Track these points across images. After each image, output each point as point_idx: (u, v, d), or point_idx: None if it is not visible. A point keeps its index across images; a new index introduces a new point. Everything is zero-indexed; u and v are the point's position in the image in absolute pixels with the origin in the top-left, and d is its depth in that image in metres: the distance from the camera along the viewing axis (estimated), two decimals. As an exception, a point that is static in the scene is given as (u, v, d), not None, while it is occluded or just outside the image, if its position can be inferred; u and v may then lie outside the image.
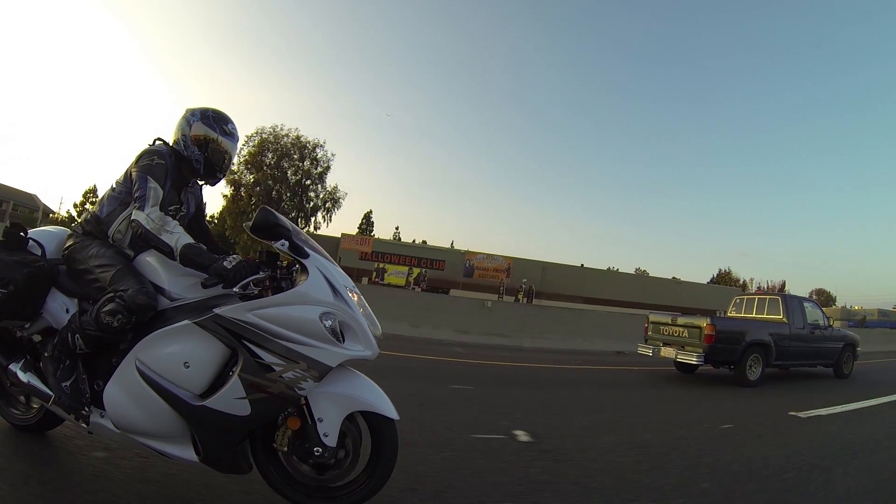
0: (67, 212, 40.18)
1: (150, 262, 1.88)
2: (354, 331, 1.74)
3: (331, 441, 1.72)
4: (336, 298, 1.73)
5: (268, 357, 1.64)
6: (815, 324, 7.90)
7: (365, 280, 26.62)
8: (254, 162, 30.97)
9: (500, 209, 78.81)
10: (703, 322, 6.93)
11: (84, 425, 1.82)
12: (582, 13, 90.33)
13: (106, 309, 1.71)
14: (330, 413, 1.73)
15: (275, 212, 1.69)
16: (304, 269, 1.73)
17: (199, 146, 2.03)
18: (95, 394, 1.81)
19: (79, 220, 2.07)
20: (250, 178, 31.08)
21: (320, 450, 1.71)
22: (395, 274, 28.91)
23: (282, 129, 31.68)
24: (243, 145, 30.20)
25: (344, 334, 1.73)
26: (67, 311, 1.92)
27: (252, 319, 1.64)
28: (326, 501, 1.80)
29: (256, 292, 1.70)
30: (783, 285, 54.46)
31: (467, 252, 33.80)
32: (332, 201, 32.97)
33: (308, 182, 32.05)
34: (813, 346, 7.81)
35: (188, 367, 1.67)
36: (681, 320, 7.40)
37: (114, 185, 2.06)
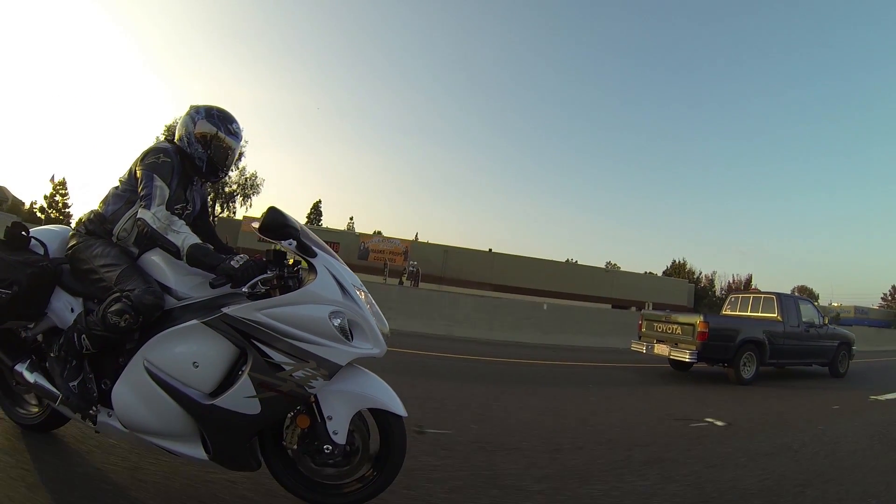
0: (33, 202, 41.05)
1: (156, 261, 1.88)
2: (363, 329, 1.76)
3: (340, 438, 1.74)
4: (345, 297, 1.74)
5: (277, 356, 1.64)
6: (811, 322, 7.92)
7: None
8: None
9: (476, 203, 78.95)
10: (697, 319, 6.94)
11: (91, 424, 1.82)
12: (578, 11, 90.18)
13: (113, 309, 1.70)
14: (339, 411, 1.75)
15: (283, 211, 1.70)
16: (312, 268, 1.75)
17: (203, 144, 2.03)
18: (103, 393, 1.82)
19: (82, 219, 2.05)
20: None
21: (330, 447, 1.73)
22: None
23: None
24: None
25: (352, 332, 1.74)
26: (72, 310, 1.92)
27: (261, 319, 1.65)
28: (336, 498, 1.82)
29: (264, 291, 1.71)
30: (749, 279, 52.23)
31: (362, 234, 35.17)
32: (251, 187, 37.95)
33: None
34: (808, 344, 7.84)
35: (197, 366, 1.67)
36: (674, 317, 7.42)
37: (118, 183, 2.05)
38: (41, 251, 2.01)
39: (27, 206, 40.68)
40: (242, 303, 1.69)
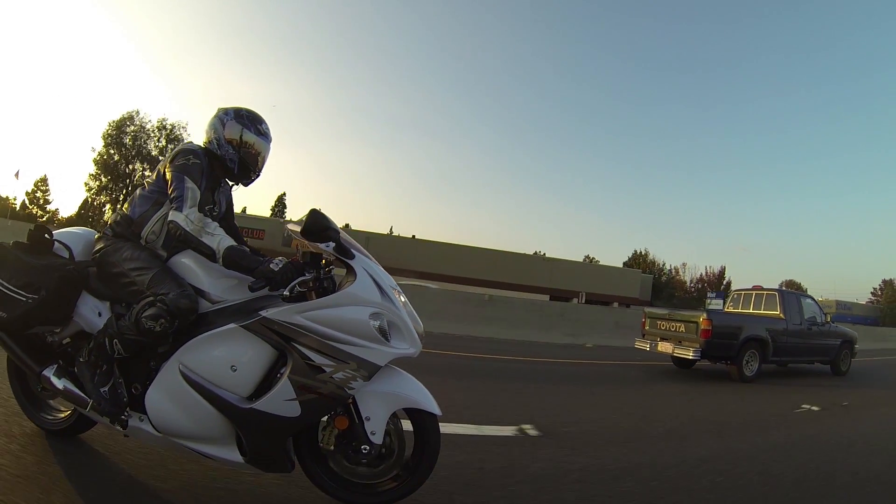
0: (13, 198, 42.47)
1: (187, 263, 1.87)
2: (400, 329, 1.78)
3: (377, 438, 1.76)
4: (383, 298, 1.75)
5: (318, 358, 1.65)
6: (813, 320, 7.91)
7: None
8: (114, 143, 39.76)
9: (471, 199, 79.13)
10: (700, 317, 6.93)
11: (120, 429, 1.80)
12: (575, 10, 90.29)
13: (147, 314, 1.69)
14: (377, 411, 1.77)
15: (325, 214, 1.70)
16: (350, 270, 1.76)
17: (233, 145, 2.02)
18: (133, 397, 1.80)
19: (108, 221, 2.03)
20: (116, 156, 39.79)
21: (367, 447, 1.74)
22: None
23: (145, 115, 40.99)
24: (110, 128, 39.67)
25: (390, 333, 1.76)
26: (100, 314, 1.89)
27: (301, 322, 1.66)
28: (372, 497, 1.84)
29: (301, 294, 1.72)
30: (722, 272, 50.26)
31: (286, 220, 34.71)
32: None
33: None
34: (810, 342, 7.86)
35: (235, 370, 1.68)
36: (678, 315, 7.41)
37: (145, 185, 2.02)
38: (66, 254, 1.98)
39: (10, 201, 41.80)
40: (279, 305, 1.69)
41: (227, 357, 1.68)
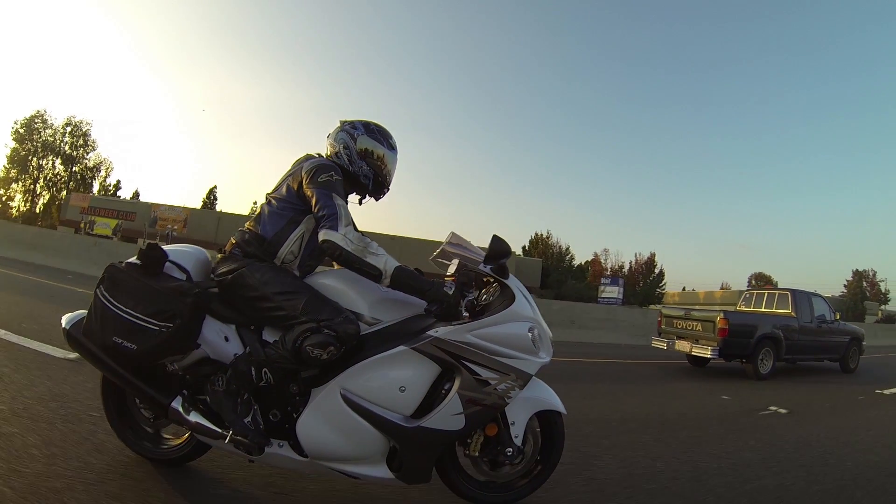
0: None
1: (334, 285, 1.83)
2: (544, 339, 1.86)
3: (520, 441, 1.85)
4: (534, 313, 1.85)
5: (484, 372, 1.72)
6: (822, 318, 8.08)
7: (72, 230, 30.23)
8: (21, 140, 43.28)
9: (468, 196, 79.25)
10: (717, 316, 7.05)
11: (246, 453, 1.72)
12: (573, 9, 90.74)
13: (313, 341, 1.63)
14: (520, 415, 1.86)
15: (504, 239, 1.77)
16: (505, 288, 1.82)
17: (366, 160, 1.97)
18: (270, 424, 1.77)
19: (232, 240, 1.91)
20: (23, 152, 43.29)
21: (511, 450, 1.83)
22: (102, 226, 33.68)
23: (50, 115, 44.14)
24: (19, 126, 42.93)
25: (539, 344, 1.85)
26: (226, 339, 1.79)
27: (471, 340, 1.72)
28: (507, 495, 1.94)
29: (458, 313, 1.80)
30: (652, 258, 48.42)
31: (153, 204, 38.22)
32: (96, 170, 45.92)
33: (74, 154, 44.81)
34: (821, 339, 8.01)
35: (404, 390, 1.71)
36: (694, 314, 7.53)
37: (272, 201, 1.91)
38: (180, 275, 1.82)
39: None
40: (441, 326, 1.74)
41: (397, 379, 1.70)
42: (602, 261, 49.95)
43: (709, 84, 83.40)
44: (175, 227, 33.72)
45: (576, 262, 48.26)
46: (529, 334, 1.79)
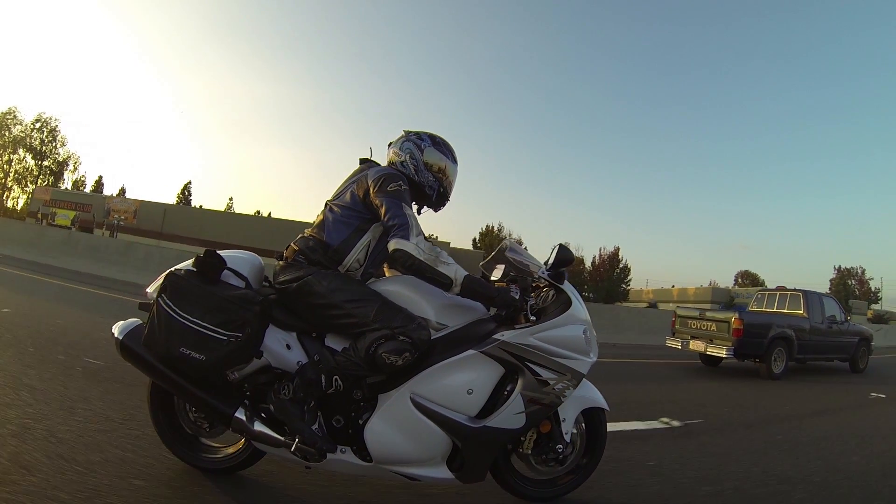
0: None
1: (400, 291, 1.85)
2: (593, 341, 1.95)
3: (569, 437, 1.95)
4: (587, 315, 1.94)
5: (545, 373, 1.80)
6: (833, 318, 8.16)
7: (31, 220, 32.00)
8: None
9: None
10: (732, 316, 7.10)
11: (304, 460, 1.72)
12: (570, 9, 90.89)
13: (388, 348, 1.65)
14: (570, 412, 1.96)
15: (569, 248, 1.88)
16: (561, 293, 1.91)
17: (433, 173, 2.00)
18: (333, 430, 1.79)
19: (293, 246, 1.89)
20: None
21: (562, 446, 1.92)
22: (62, 216, 35.41)
23: (19, 112, 46.40)
24: None
25: (591, 344, 1.94)
26: (288, 347, 1.78)
27: (534, 342, 1.81)
28: (555, 489, 2.02)
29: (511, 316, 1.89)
30: (616, 252, 48.60)
31: (108, 197, 40.57)
32: (65, 165, 48.67)
33: (45, 149, 47.95)
34: (831, 340, 8.12)
35: (471, 392, 1.77)
36: (709, 314, 7.57)
37: (334, 208, 1.92)
38: (240, 282, 1.80)
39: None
40: (506, 329, 1.81)
41: (465, 381, 1.77)
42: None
43: (698, 85, 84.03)
44: (123, 218, 36.47)
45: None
46: (584, 336, 1.88)
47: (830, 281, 54.94)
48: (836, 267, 55.55)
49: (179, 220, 38.02)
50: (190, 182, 57.44)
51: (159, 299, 1.68)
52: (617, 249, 49.11)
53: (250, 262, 1.90)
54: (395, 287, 1.86)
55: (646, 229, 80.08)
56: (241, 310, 1.66)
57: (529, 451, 1.92)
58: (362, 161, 2.07)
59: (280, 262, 1.89)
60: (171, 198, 50.72)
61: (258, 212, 54.75)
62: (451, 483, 1.81)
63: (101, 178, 50.52)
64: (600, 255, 48.76)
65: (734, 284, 54.22)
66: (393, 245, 1.73)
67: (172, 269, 1.76)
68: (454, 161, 2.06)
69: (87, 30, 71.12)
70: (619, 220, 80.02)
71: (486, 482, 1.91)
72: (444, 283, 1.73)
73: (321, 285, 1.76)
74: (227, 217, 42.81)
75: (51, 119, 48.54)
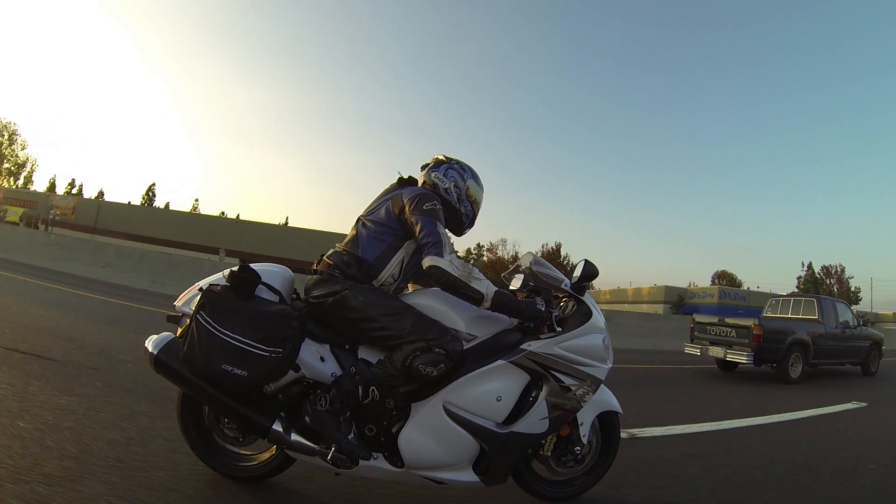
0: None
1: (433, 305, 1.92)
2: (610, 348, 2.06)
3: (587, 439, 2.06)
4: (606, 324, 2.05)
5: (567, 380, 1.92)
6: (846, 323, 8.35)
7: None
8: None
9: None
10: (752, 322, 7.25)
11: (334, 466, 1.77)
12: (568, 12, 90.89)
13: (424, 360, 1.72)
14: (587, 416, 2.07)
15: (594, 264, 1.99)
16: (581, 304, 2.02)
17: (471, 202, 2.12)
18: (366, 438, 1.85)
19: (327, 260, 1.95)
20: None
21: (579, 448, 2.03)
22: (13, 213, 38.90)
23: None
24: None
25: (609, 352, 2.06)
26: (322, 359, 1.83)
27: (558, 352, 1.91)
28: (571, 490, 2.13)
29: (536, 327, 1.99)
30: (558, 248, 48.35)
31: (51, 194, 43.49)
32: (21, 166, 53.25)
33: (5, 151, 52.09)
34: (844, 344, 8.31)
35: (500, 400, 1.87)
36: (728, 320, 7.71)
37: (367, 224, 1.97)
38: (273, 296, 1.82)
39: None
40: (534, 340, 1.91)
41: (495, 389, 1.87)
42: (499, 251, 49.06)
43: (695, 86, 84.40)
44: (59, 213, 39.24)
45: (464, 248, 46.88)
46: (603, 344, 1.99)
47: (798, 279, 52.92)
48: (806, 264, 53.51)
49: (112, 216, 40.81)
50: (154, 184, 62.62)
51: (198, 316, 1.68)
52: (559, 246, 49.11)
53: (282, 276, 1.94)
54: (427, 300, 1.93)
55: (619, 228, 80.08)
56: (281, 325, 1.69)
57: (549, 454, 2.03)
58: (399, 181, 2.12)
59: (313, 277, 1.94)
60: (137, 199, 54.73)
61: (223, 213, 58.74)
62: (474, 486, 1.89)
63: (54, 177, 54.76)
64: (542, 251, 46.99)
65: (711, 283, 53.93)
66: (428, 262, 1.79)
67: (207, 284, 1.79)
68: (483, 192, 2.19)
69: (87, 30, 70.00)
70: (568, 214, 79.61)
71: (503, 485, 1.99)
72: (476, 298, 1.79)
73: (358, 300, 1.82)
74: (161, 213, 46.51)
75: (10, 124, 53.80)
